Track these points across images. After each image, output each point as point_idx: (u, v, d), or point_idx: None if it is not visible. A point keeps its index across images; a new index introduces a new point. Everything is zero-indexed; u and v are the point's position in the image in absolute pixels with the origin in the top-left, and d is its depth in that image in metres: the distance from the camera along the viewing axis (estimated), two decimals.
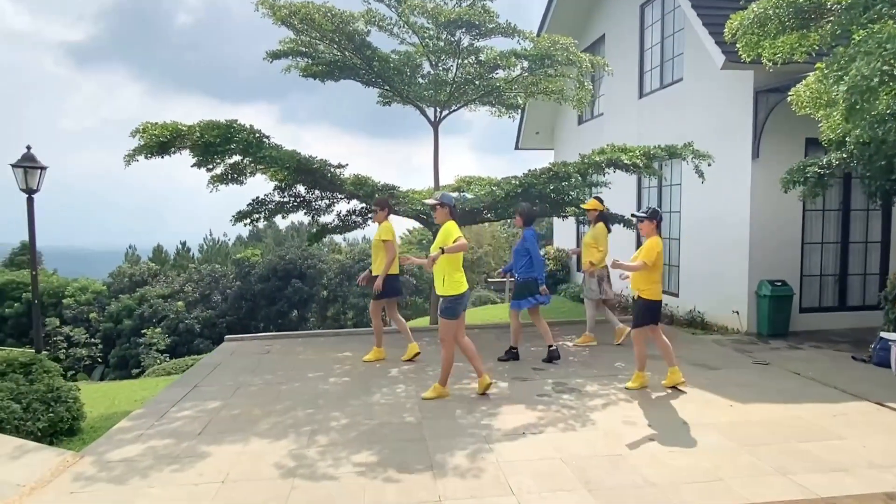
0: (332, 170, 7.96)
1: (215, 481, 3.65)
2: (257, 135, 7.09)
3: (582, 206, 7.19)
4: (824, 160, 6.65)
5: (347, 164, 7.98)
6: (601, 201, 7.33)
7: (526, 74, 8.41)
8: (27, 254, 32.51)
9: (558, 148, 15.41)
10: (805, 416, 4.71)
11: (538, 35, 13.60)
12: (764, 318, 8.40)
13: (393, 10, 7.73)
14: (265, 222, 9.68)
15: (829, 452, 4.04)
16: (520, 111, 15.24)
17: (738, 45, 5.69)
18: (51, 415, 5.12)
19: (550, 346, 6.49)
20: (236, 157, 7.19)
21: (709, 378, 5.77)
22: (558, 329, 7.94)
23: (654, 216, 5.45)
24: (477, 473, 3.72)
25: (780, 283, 8.32)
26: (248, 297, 29.53)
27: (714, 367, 6.17)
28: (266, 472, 3.77)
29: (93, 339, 22.63)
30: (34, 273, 6.67)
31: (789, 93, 5.82)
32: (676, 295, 10.26)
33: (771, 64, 6.03)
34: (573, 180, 7.00)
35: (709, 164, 7.53)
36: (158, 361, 19.14)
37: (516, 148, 15.65)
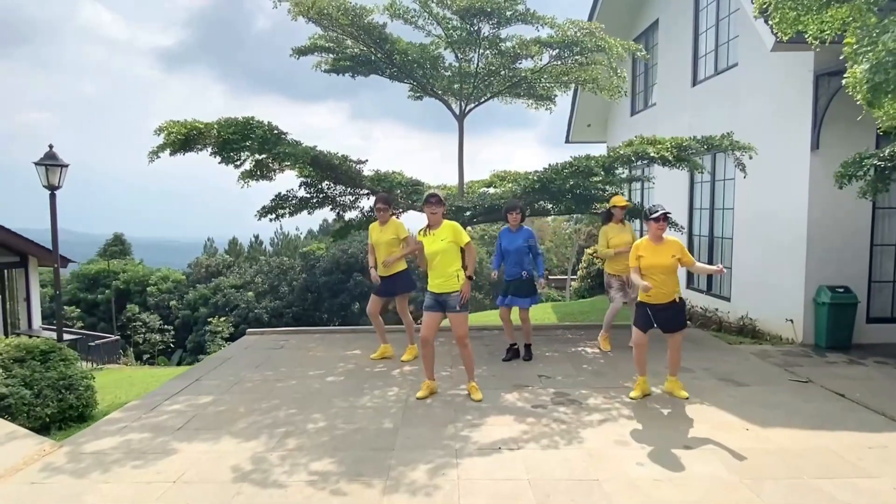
0: (354, 165, 7.90)
1: (168, 481, 3.63)
2: (275, 131, 7.13)
3: (618, 203, 6.52)
4: (886, 151, 5.79)
5: (367, 160, 7.90)
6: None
7: (557, 63, 7.95)
8: (119, 244, 35.23)
9: (611, 141, 14.64)
10: (833, 447, 4.09)
11: (589, 21, 13.02)
12: (822, 329, 7.54)
13: (426, 1, 7.49)
14: (333, 217, 9.57)
15: (850, 493, 3.46)
16: (570, 102, 14.72)
17: (770, 23, 5.03)
18: (60, 402, 5.37)
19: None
20: (259, 154, 7.25)
21: (733, 396, 5.18)
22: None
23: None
24: (430, 491, 3.48)
25: (841, 290, 7.44)
26: (312, 289, 30.49)
27: (743, 384, 5.53)
28: (220, 474, 3.72)
29: (166, 326, 24.12)
30: (56, 265, 7.02)
31: (845, 75, 5.09)
32: (728, 299, 9.44)
33: (818, 43, 5.30)
34: (597, 176, 6.51)
35: (750, 157, 6.79)
36: (222, 348, 20.12)
37: (566, 142, 15.05)
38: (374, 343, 6.95)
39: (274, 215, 8.18)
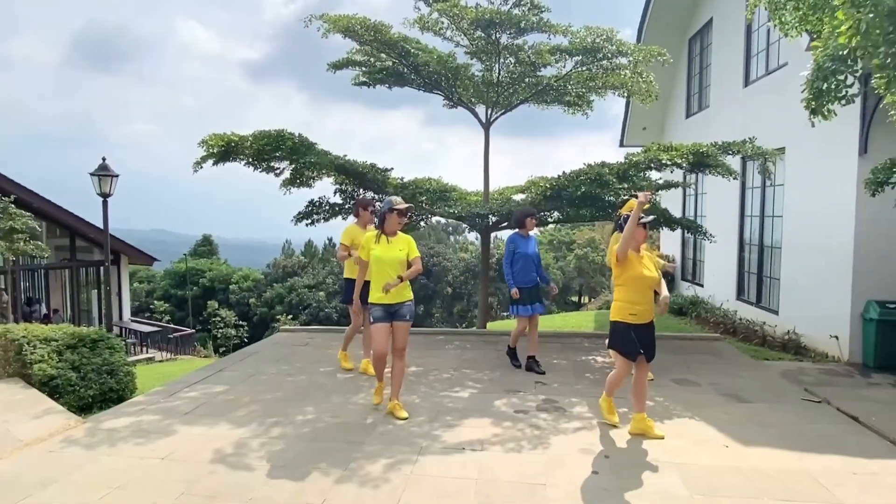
0: (381, 173, 8.25)
1: (158, 457, 4.07)
2: (305, 142, 7.61)
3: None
4: None
5: (393, 168, 8.22)
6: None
7: (581, 69, 7.90)
8: (207, 245, 37.99)
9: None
10: (814, 470, 3.87)
11: (641, 22, 12.74)
12: (870, 347, 7.02)
13: (443, 14, 7.74)
14: None
15: None
16: (624, 106, 14.37)
17: (773, 23, 4.79)
18: (102, 384, 6.06)
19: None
20: (290, 163, 7.76)
21: (729, 413, 4.98)
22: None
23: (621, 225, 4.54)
24: (378, 484, 3.68)
25: (893, 305, 6.89)
26: None
27: (747, 401, 5.29)
28: (203, 455, 4.11)
29: (242, 322, 25.76)
30: (106, 264, 7.86)
31: (875, 75, 4.78)
32: (776, 313, 8.92)
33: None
34: (609, 186, 6.42)
35: (773, 163, 6.45)
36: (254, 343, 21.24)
37: (620, 145, 14.69)
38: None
39: (309, 220, 8.67)
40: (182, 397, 5.45)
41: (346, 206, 8.72)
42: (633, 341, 4.35)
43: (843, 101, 3.50)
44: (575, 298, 35.17)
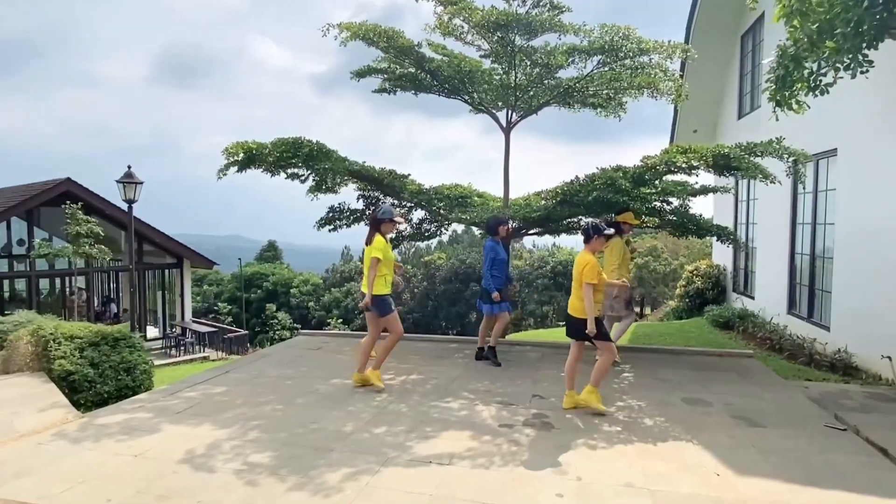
0: (400, 179, 8.24)
1: (132, 454, 4.19)
2: (323, 149, 7.71)
3: (630, 220, 6.54)
4: None
5: (409, 174, 8.18)
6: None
7: (604, 69, 7.56)
8: (272, 251, 39.54)
9: None
10: None
11: (690, 20, 12.16)
12: None
13: (455, 16, 7.66)
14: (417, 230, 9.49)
15: None
16: (673, 108, 13.69)
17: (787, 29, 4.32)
18: (118, 381, 6.37)
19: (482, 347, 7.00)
20: (306, 169, 7.89)
21: (734, 436, 4.54)
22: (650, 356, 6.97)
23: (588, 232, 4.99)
24: (329, 494, 3.60)
25: None
26: (432, 297, 31.55)
27: (758, 424, 4.81)
28: (174, 454, 4.19)
29: (295, 325, 26.57)
30: (131, 267, 8.24)
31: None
32: (827, 329, 8.15)
33: None
34: (624, 189, 6.07)
35: (802, 164, 5.87)
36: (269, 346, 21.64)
37: None
38: (404, 353, 7.18)
39: (332, 226, 8.78)
40: (181, 396, 5.61)
41: (368, 212, 8.77)
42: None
43: (817, 92, 3.09)
44: (637, 309, 33.90)
